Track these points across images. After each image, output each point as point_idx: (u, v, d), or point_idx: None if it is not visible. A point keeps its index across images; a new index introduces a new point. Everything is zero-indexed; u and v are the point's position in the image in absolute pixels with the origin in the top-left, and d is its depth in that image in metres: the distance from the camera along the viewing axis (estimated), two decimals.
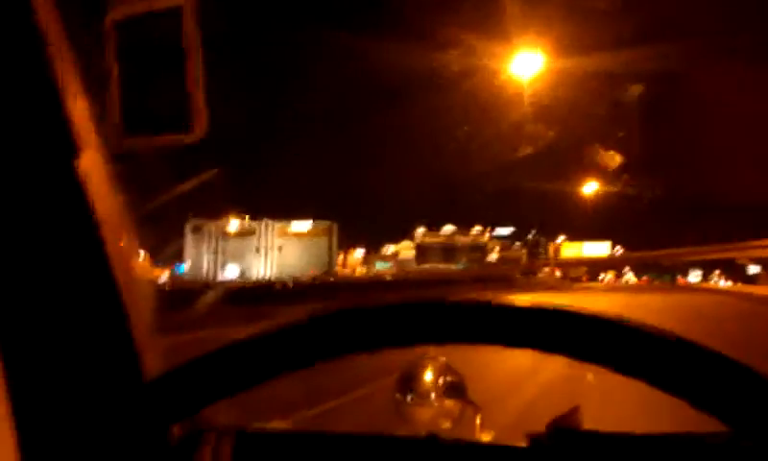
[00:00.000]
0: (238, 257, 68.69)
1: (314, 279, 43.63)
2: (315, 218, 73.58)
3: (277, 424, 0.80)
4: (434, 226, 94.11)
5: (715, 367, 0.53)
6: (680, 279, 74.33)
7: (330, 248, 74.49)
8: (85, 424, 0.67)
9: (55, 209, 0.78)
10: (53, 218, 0.78)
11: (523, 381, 6.26)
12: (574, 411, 0.72)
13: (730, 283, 61.58)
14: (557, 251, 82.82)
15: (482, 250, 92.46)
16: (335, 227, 73.71)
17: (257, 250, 70.93)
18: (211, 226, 66.09)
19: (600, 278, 79.16)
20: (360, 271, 78.35)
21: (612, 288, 52.36)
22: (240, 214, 66.60)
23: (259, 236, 71.66)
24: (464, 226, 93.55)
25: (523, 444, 0.69)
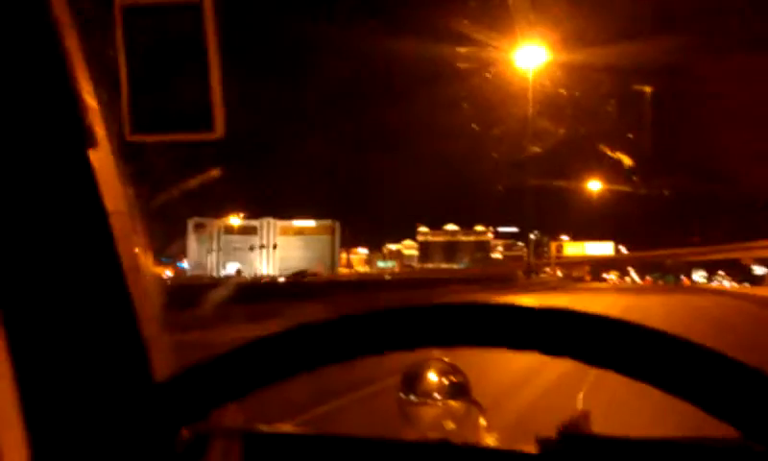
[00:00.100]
0: (240, 255, 68.89)
1: (302, 275, 43.35)
2: (318, 217, 73.77)
3: (284, 426, 0.80)
4: (436, 225, 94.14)
5: (726, 371, 0.53)
6: (684, 280, 74.16)
7: (333, 246, 74.58)
8: (95, 425, 0.67)
9: (66, 203, 0.78)
10: (64, 212, 0.78)
11: (528, 381, 6.25)
12: (584, 415, 0.72)
13: (734, 284, 61.38)
14: (558, 249, 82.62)
15: (486, 248, 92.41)
16: (338, 225, 73.83)
17: (260, 247, 71.10)
18: (214, 224, 66.30)
19: (603, 277, 78.99)
20: (363, 269, 78.38)
21: (615, 289, 52.26)
22: (242, 212, 66.78)
23: (261, 234, 71.86)
24: (466, 225, 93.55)
25: (532, 448, 0.69)
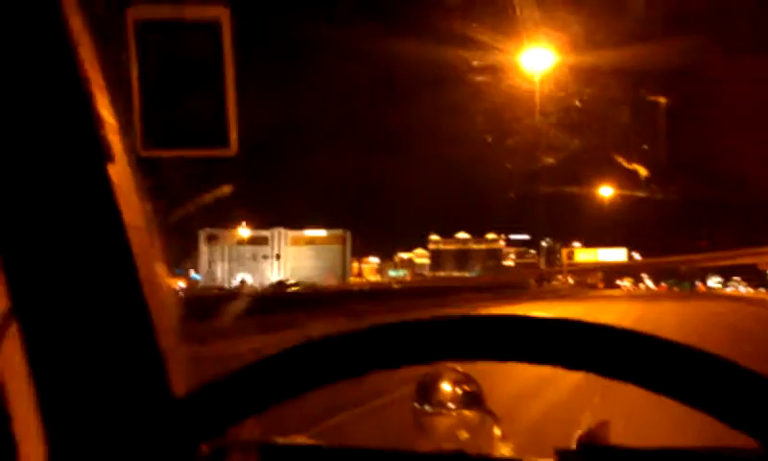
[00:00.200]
0: (251, 265, 69.06)
1: (283, 286, 43.53)
2: (329, 227, 73.82)
3: (300, 438, 0.80)
4: (448, 233, 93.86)
5: (743, 381, 0.52)
6: (699, 286, 73.33)
7: (344, 256, 74.58)
8: (115, 439, 0.68)
9: (85, 217, 0.79)
10: (83, 227, 0.79)
11: (540, 390, 6.20)
12: (602, 426, 0.71)
13: (750, 289, 60.57)
14: (570, 256, 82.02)
15: (498, 256, 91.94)
16: (348, 235, 73.83)
17: (272, 257, 71.23)
18: (225, 235, 66.58)
19: (617, 284, 78.26)
20: (374, 278, 78.26)
21: (629, 296, 51.68)
22: (253, 223, 66.98)
23: (272, 244, 72.03)
24: (477, 233, 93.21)
25: (551, 459, 0.68)
